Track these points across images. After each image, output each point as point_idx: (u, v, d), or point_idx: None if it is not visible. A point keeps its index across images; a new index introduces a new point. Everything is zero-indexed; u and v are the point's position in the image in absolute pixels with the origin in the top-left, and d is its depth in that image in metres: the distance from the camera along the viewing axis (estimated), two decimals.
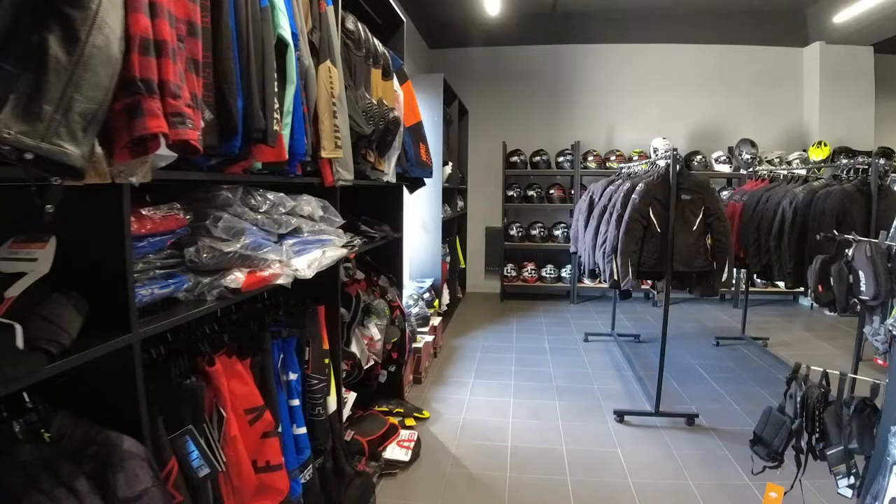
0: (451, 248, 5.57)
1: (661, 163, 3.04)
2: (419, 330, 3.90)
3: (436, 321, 4.25)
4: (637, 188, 2.84)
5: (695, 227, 2.77)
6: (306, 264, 1.67)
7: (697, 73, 5.94)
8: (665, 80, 6.02)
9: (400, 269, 3.21)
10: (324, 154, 1.83)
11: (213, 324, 1.58)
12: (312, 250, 1.77)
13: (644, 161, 3.81)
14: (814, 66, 5.54)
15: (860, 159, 5.31)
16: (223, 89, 1.25)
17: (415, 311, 3.98)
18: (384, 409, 3.06)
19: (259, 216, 1.44)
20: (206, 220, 1.32)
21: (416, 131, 2.85)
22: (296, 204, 1.69)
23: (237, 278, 1.35)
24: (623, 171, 4.03)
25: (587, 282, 6.06)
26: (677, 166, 2.76)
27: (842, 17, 4.85)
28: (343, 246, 2.03)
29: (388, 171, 2.69)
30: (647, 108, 6.07)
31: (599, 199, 3.61)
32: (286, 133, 1.49)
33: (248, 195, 1.41)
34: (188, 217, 1.30)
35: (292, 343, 1.76)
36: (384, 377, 3.10)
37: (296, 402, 1.79)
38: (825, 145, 5.23)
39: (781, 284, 3.86)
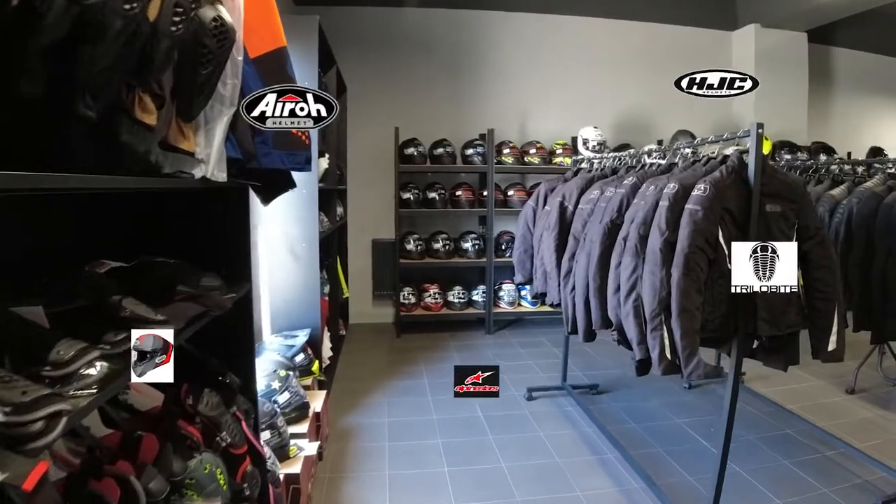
0: (331, 273, 3.98)
1: (709, 150, 1.86)
2: (293, 432, 2.31)
3: (318, 401, 2.67)
4: (694, 193, 1.59)
5: None
6: None
7: (623, 54, 5.06)
8: (587, 61, 5.04)
9: (248, 352, 1.61)
10: None
11: None
12: None
13: (622, 152, 2.64)
14: (747, 52, 4.95)
15: (800, 155, 4.88)
16: None
17: (282, 399, 2.37)
18: None
19: None
20: None
21: (276, 69, 1.29)
22: None
23: None
24: (599, 162, 2.82)
25: (504, 305, 4.87)
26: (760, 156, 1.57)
27: None
28: None
29: (209, 154, 1.11)
30: (567, 92, 5.05)
31: (575, 207, 2.35)
32: None
33: None
34: None
35: None
36: None
37: None
38: (766, 139, 4.60)
39: None
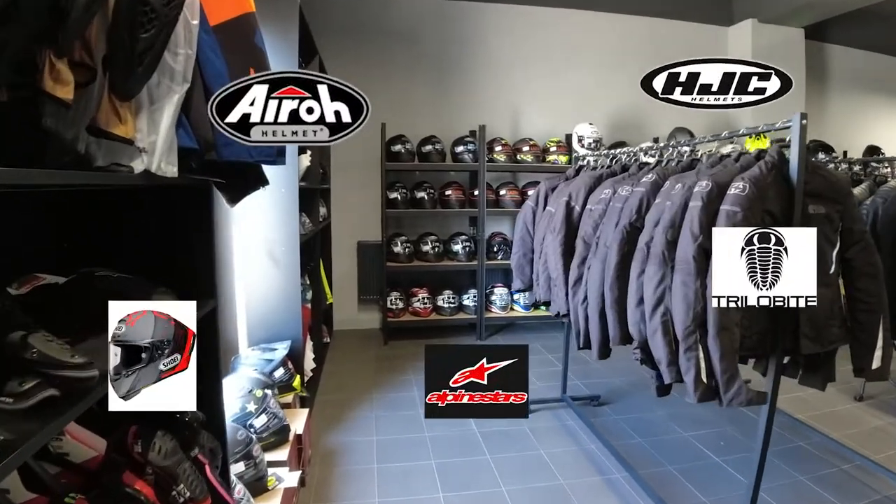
0: (314, 278, 3.74)
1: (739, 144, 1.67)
2: (272, 459, 2.07)
3: (299, 421, 2.44)
4: (731, 192, 1.40)
5: (832, 268, 1.42)
6: None
7: (618, 49, 4.90)
8: (581, 55, 4.88)
9: (214, 380, 1.38)
10: None
11: None
12: None
13: (625, 149, 2.46)
14: (744, 48, 4.82)
15: None
16: None
17: (259, 422, 2.13)
18: None
19: None
20: None
21: (242, 39, 1.06)
22: None
23: None
24: (599, 159, 2.63)
25: (496, 310, 4.66)
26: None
27: None
28: None
29: (154, 143, 0.87)
30: (560, 87, 4.87)
31: (583, 207, 2.15)
32: None
33: None
34: None
35: None
36: None
37: None
38: (764, 137, 4.49)
39: None
